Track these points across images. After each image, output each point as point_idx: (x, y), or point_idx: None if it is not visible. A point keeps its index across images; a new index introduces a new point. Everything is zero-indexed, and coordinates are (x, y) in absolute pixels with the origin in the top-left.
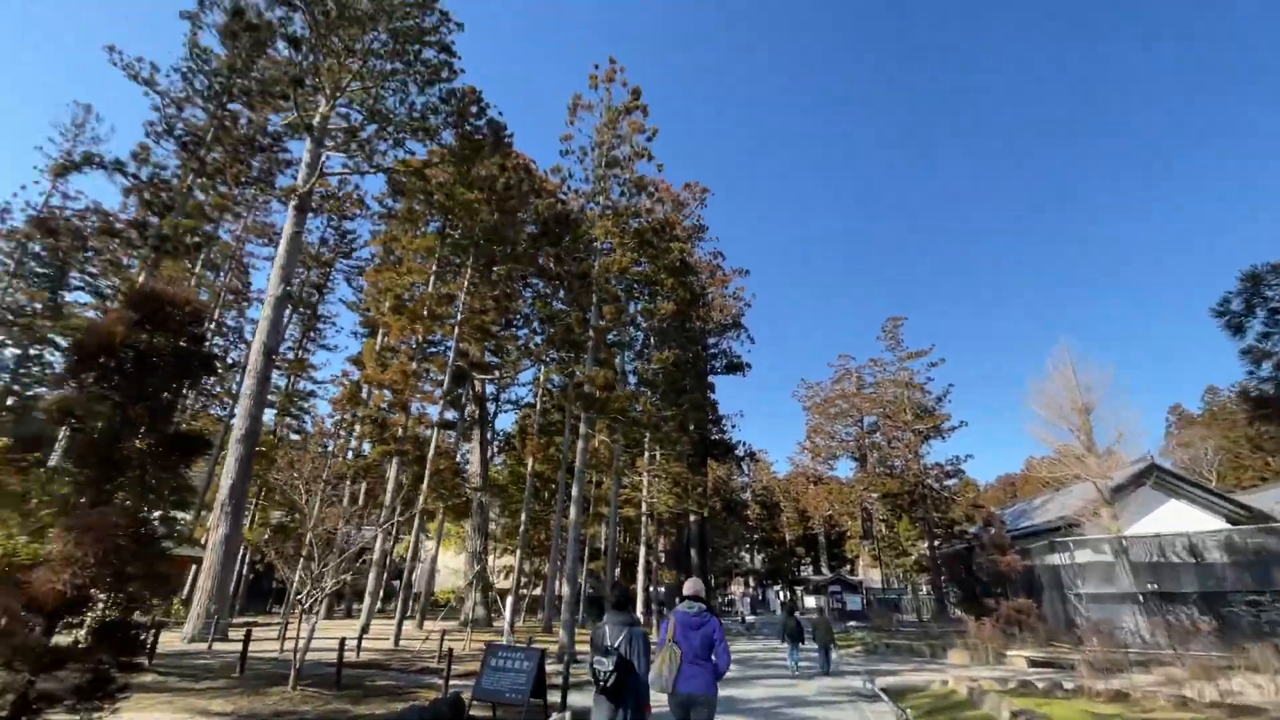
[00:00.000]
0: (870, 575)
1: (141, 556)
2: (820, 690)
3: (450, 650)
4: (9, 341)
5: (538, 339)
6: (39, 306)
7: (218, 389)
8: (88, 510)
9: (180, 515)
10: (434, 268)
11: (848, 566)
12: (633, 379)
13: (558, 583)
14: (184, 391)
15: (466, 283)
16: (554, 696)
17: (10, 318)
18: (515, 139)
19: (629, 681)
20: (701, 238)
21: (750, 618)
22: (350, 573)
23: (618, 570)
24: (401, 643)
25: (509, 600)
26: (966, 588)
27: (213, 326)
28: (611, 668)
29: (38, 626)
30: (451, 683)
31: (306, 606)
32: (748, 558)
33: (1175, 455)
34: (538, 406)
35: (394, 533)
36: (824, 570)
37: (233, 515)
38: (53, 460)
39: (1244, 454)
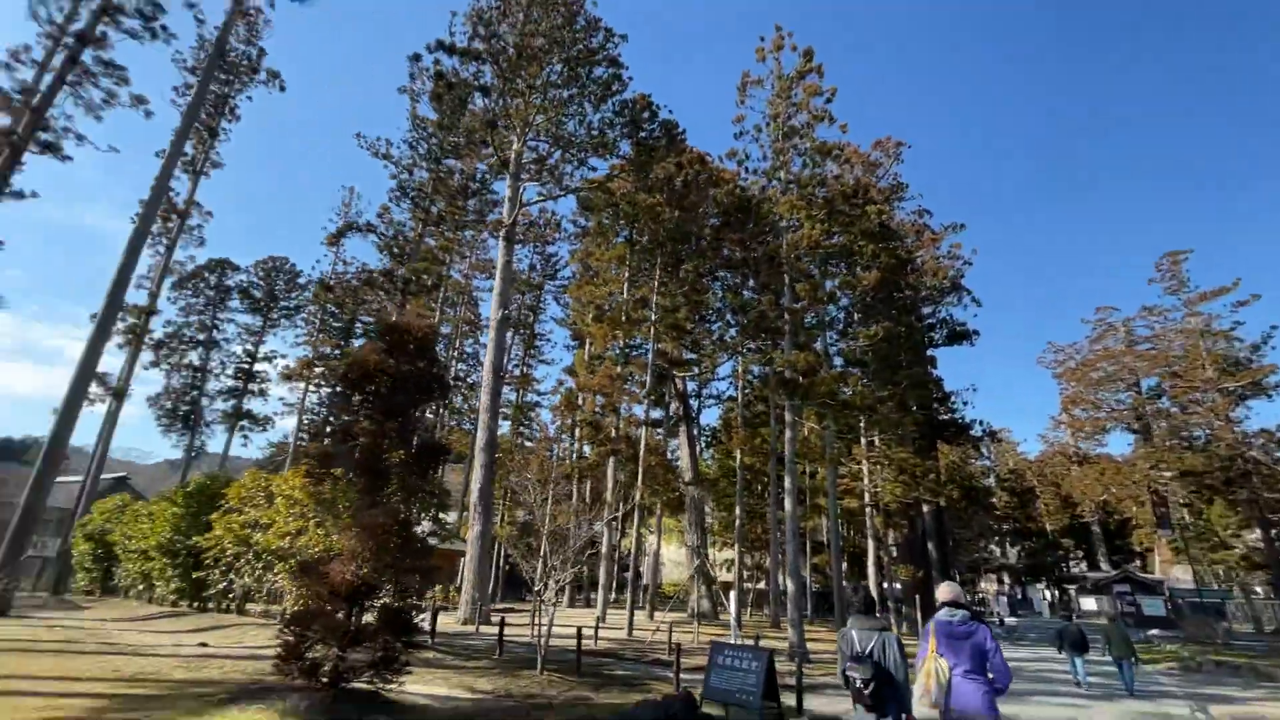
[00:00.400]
0: (1174, 573)
1: (407, 550)
2: (1125, 716)
3: (679, 644)
4: (323, 383)
5: (732, 331)
6: (337, 352)
7: (464, 407)
8: (364, 512)
9: (447, 517)
10: (626, 275)
11: (1137, 562)
12: (838, 361)
13: (780, 577)
14: (426, 408)
15: (657, 284)
16: (787, 699)
17: (319, 364)
18: (687, 134)
19: (888, 690)
20: (901, 197)
21: (1010, 619)
22: (580, 565)
23: (844, 565)
24: (634, 632)
25: (732, 595)
26: None
27: (455, 354)
28: (870, 675)
29: (340, 610)
30: (682, 676)
31: (544, 597)
32: (998, 551)
33: None
34: (740, 399)
35: (619, 527)
36: (1102, 566)
37: (484, 514)
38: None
39: None
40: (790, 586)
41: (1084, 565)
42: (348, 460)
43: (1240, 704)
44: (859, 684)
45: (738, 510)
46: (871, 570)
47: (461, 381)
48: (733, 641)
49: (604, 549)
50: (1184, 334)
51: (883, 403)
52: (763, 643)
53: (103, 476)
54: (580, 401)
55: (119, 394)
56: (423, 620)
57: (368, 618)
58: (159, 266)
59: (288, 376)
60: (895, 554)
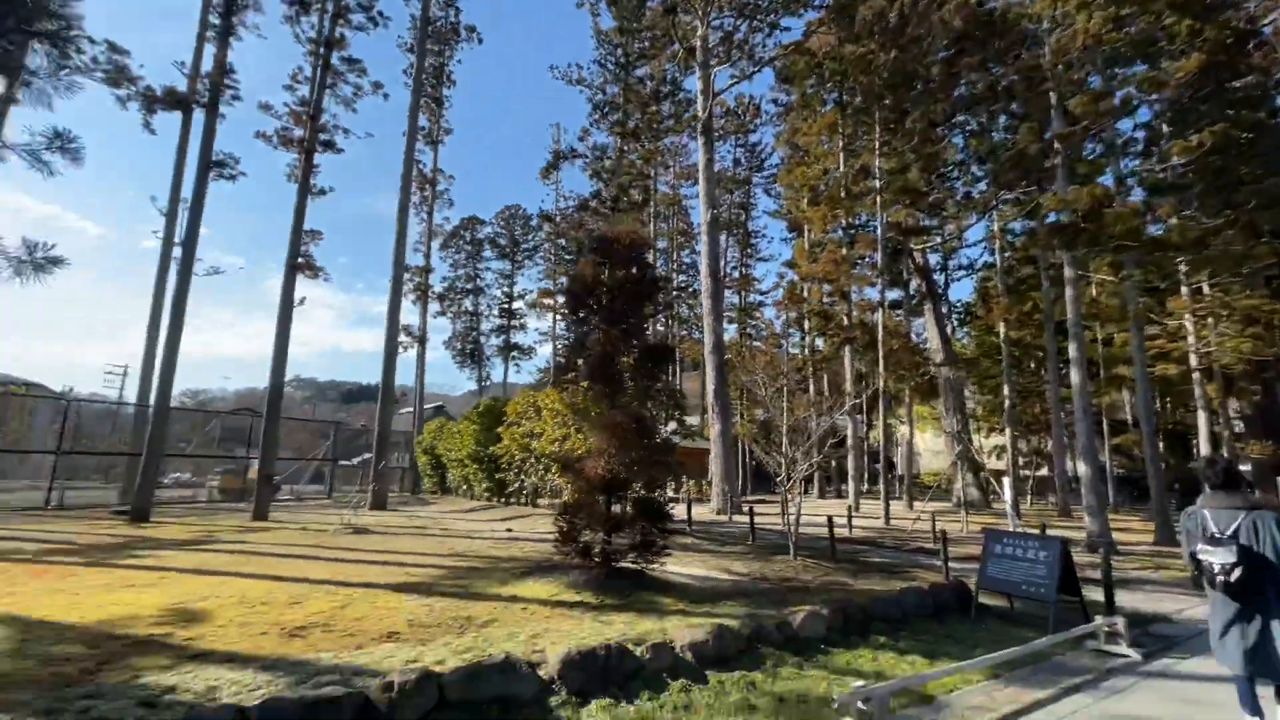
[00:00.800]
0: None
1: (646, 446)
2: None
3: (944, 532)
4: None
5: (981, 186)
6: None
7: (690, 316)
8: (604, 414)
9: (690, 419)
10: (841, 145)
11: None
12: (1138, 193)
13: (1068, 461)
14: (646, 312)
15: (878, 146)
16: (1092, 594)
17: (556, 292)
18: None
19: (1260, 577)
20: None
21: None
22: (821, 457)
23: (1160, 444)
24: (891, 522)
25: (1006, 481)
26: None
27: (674, 266)
28: (1234, 561)
29: (599, 501)
30: (951, 565)
31: (787, 488)
32: None
33: None
34: (998, 263)
35: (865, 418)
36: None
37: (721, 413)
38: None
39: None
40: (1085, 470)
41: None
42: (588, 371)
43: None
44: (1218, 570)
45: (1005, 390)
46: (1204, 448)
47: (683, 291)
48: (1011, 529)
49: (850, 440)
50: None
51: (1215, 234)
52: (1050, 533)
53: (426, 406)
54: (805, 293)
55: (420, 339)
56: (674, 509)
57: (624, 508)
58: (425, 232)
59: (532, 306)
60: (1240, 429)
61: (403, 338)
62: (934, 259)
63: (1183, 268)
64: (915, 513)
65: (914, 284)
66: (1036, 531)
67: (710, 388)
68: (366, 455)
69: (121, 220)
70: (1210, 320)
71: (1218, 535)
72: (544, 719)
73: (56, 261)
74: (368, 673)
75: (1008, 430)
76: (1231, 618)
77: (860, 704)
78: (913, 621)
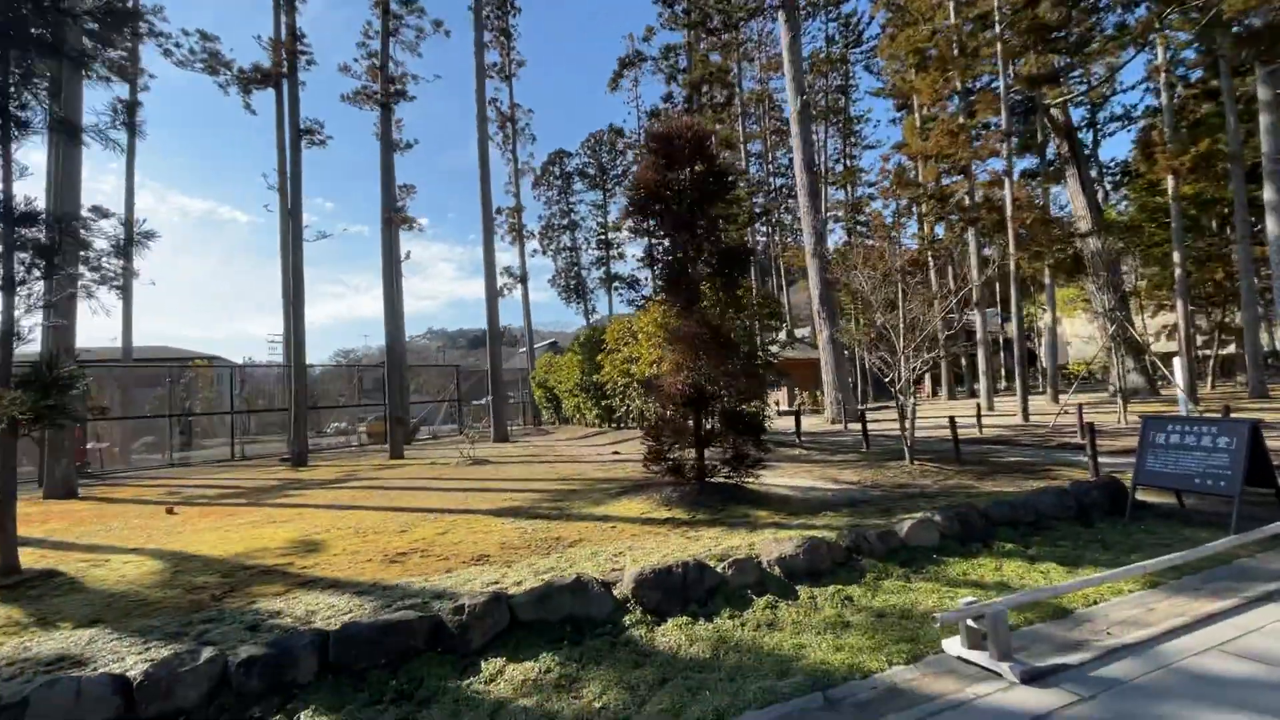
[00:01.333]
0: None
1: (729, 358)
2: None
3: (1092, 424)
4: None
5: (1140, 10)
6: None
7: (791, 221)
8: (680, 326)
9: (797, 329)
10: None
11: None
12: None
13: (1266, 333)
14: (714, 213)
15: None
16: None
17: None
18: None
19: None
20: None
21: None
22: (936, 354)
23: None
24: (1031, 419)
25: (1177, 362)
26: None
27: (771, 168)
28: None
29: (683, 417)
30: (1103, 461)
31: (898, 388)
32: None
33: None
34: (1165, 103)
35: (1000, 308)
36: None
37: (828, 319)
38: None
39: None
40: None
41: None
42: (660, 283)
43: None
44: None
45: (1176, 257)
46: None
47: (780, 194)
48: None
49: (980, 334)
50: None
51: None
52: (1238, 417)
53: (540, 344)
54: (919, 176)
55: (522, 279)
56: (777, 421)
57: (713, 423)
58: (512, 171)
59: (616, 229)
60: None
61: (504, 279)
62: (1077, 115)
63: None
64: (1060, 407)
65: (1052, 148)
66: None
67: (815, 292)
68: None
69: (259, 204)
70: None
71: None
72: (618, 638)
73: (150, 235)
74: (449, 595)
75: (1180, 304)
76: None
77: (971, 621)
78: (1051, 525)
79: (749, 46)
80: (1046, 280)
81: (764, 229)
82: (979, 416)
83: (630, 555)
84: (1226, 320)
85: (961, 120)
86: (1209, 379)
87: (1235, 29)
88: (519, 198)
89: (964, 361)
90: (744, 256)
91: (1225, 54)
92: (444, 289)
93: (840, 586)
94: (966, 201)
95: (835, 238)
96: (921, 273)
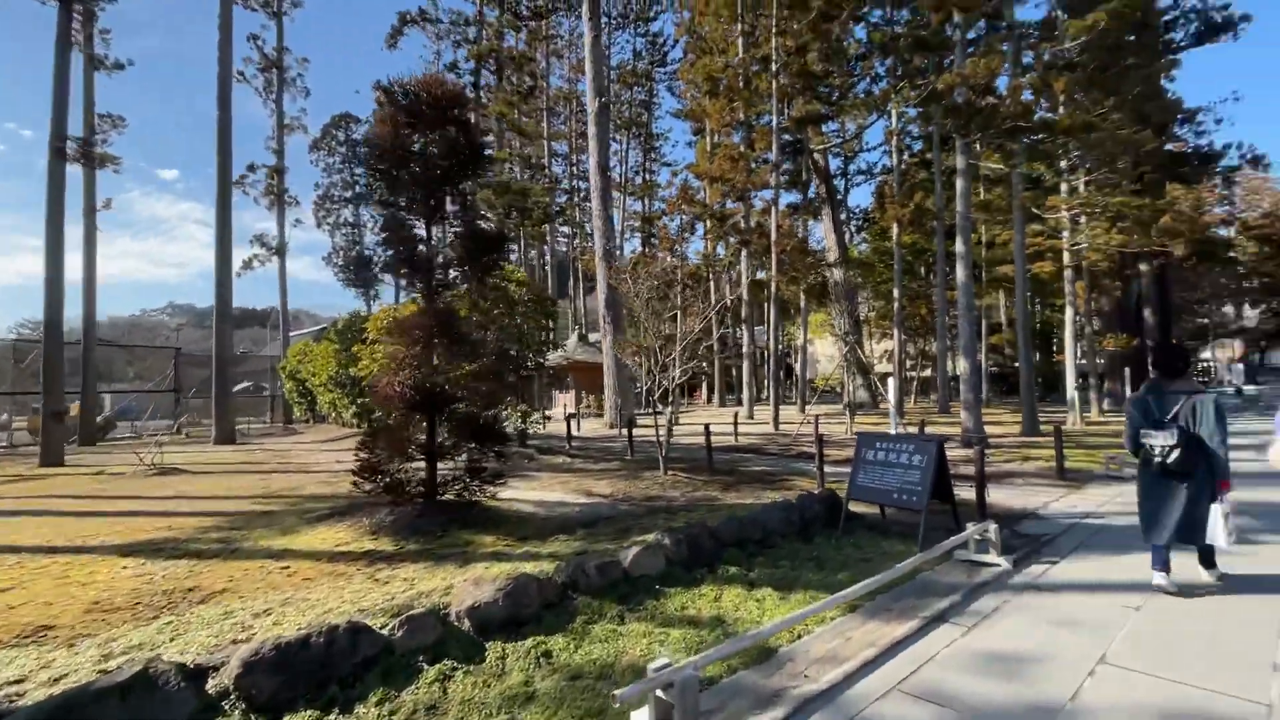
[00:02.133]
0: None
1: (467, 355)
2: None
3: (823, 436)
4: None
5: (882, 85)
6: None
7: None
8: (408, 317)
9: (596, 336)
10: (740, 29)
11: None
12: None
13: (950, 361)
14: (464, 187)
15: (774, 22)
16: (965, 493)
17: None
18: None
19: (1194, 457)
20: None
21: (1248, 388)
22: (693, 363)
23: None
24: (781, 427)
25: (891, 382)
26: None
27: (574, 170)
28: (1174, 442)
29: (406, 423)
30: (830, 470)
31: (657, 396)
32: (1233, 313)
33: None
34: (895, 163)
35: (769, 326)
36: None
37: (613, 324)
38: None
39: None
40: (964, 366)
41: None
42: (391, 260)
43: None
44: (1158, 451)
45: (896, 292)
46: (1069, 343)
47: (584, 196)
48: (892, 431)
49: (746, 348)
50: None
51: (1103, 119)
52: (930, 430)
53: (306, 330)
54: (705, 196)
55: (278, 251)
56: (545, 427)
57: (447, 431)
58: (275, 126)
59: None
60: (1099, 324)
61: (257, 249)
62: (835, 164)
63: (1064, 166)
64: (803, 418)
65: (814, 187)
66: (915, 431)
67: (601, 296)
68: (246, 384)
69: None
70: (1084, 219)
71: (1160, 419)
72: None
73: None
74: None
75: (896, 333)
76: (1165, 494)
77: (660, 693)
78: (775, 542)
79: (559, 44)
80: (801, 303)
81: (566, 229)
82: (736, 425)
83: (282, 613)
84: (926, 349)
85: (742, 149)
86: (913, 396)
87: (944, 103)
88: (282, 156)
89: (734, 372)
90: (499, 242)
91: (938, 125)
92: (194, 256)
93: (542, 638)
94: (743, 225)
95: (632, 246)
96: (701, 286)
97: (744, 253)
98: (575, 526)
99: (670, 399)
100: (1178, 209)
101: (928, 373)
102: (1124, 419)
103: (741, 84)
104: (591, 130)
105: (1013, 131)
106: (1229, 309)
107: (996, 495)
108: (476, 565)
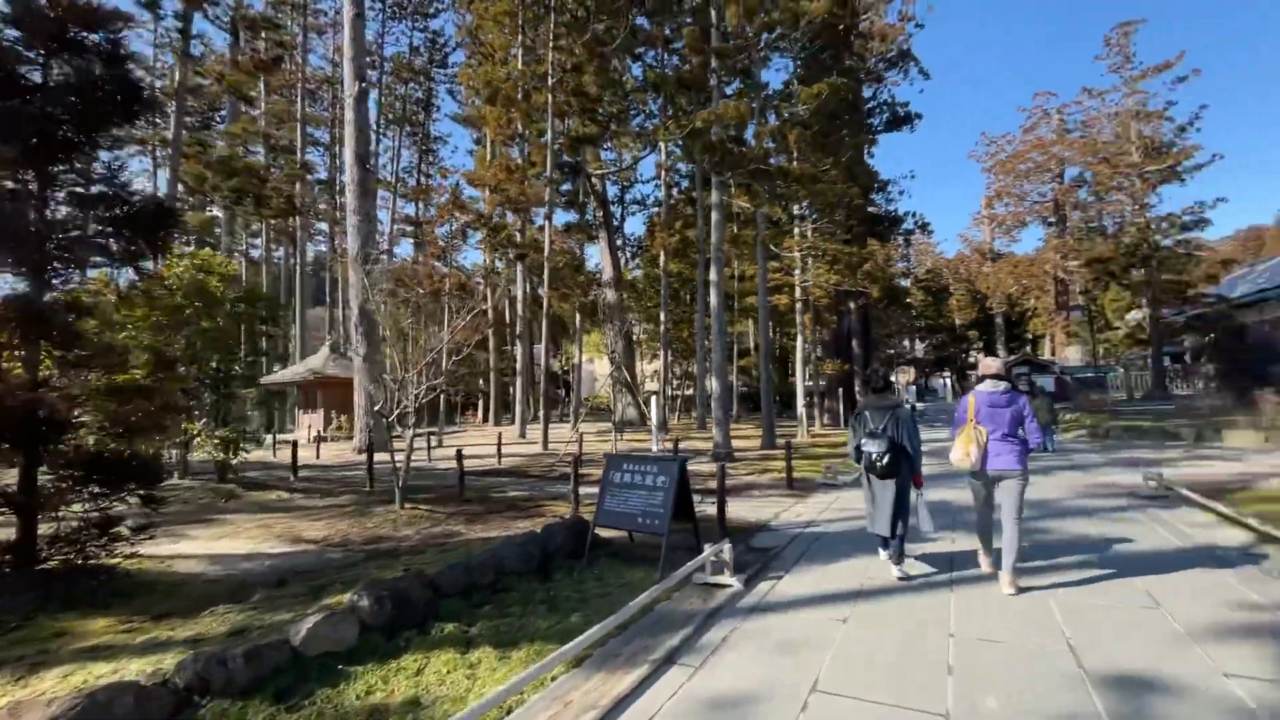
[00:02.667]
0: (1065, 354)
1: (91, 363)
2: (1070, 489)
3: (580, 456)
4: None
5: (654, 120)
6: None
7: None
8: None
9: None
10: (519, 41)
11: (1027, 348)
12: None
13: (707, 381)
14: (105, 138)
15: (551, 35)
16: (708, 510)
17: None
18: None
19: (901, 460)
20: None
21: (918, 404)
22: (442, 379)
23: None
24: (550, 447)
25: (654, 400)
26: (1235, 357)
27: (338, 164)
28: (885, 449)
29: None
30: (587, 492)
31: (393, 418)
32: (909, 346)
33: None
34: (665, 197)
35: (548, 344)
36: (999, 353)
37: (366, 335)
38: None
39: None
40: (716, 386)
41: (983, 354)
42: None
43: (1169, 468)
44: (874, 457)
45: (663, 316)
46: (799, 368)
47: (149, 94)
48: (654, 450)
49: (520, 364)
50: (1116, 117)
51: (821, 179)
52: (687, 445)
53: None
54: (484, 207)
55: None
56: (279, 454)
57: (59, 470)
58: None
59: None
60: (821, 352)
61: None
62: (614, 192)
63: (796, 212)
64: (573, 436)
65: (592, 208)
66: (670, 449)
67: (354, 304)
68: None
69: None
70: (810, 261)
71: (874, 430)
72: None
73: None
74: None
75: (663, 353)
76: (882, 493)
77: None
78: (510, 583)
79: (323, 20)
80: (577, 321)
81: (325, 227)
82: (500, 446)
83: None
84: (690, 369)
85: (519, 161)
86: (677, 414)
87: (703, 140)
88: None
89: (511, 390)
90: (162, 221)
91: (699, 160)
92: None
93: None
94: (518, 238)
95: (405, 250)
96: (473, 298)
97: (520, 267)
98: (254, 589)
99: (412, 420)
100: (875, 260)
101: (690, 391)
102: (848, 432)
103: (520, 95)
104: (349, 116)
105: (756, 173)
106: (906, 342)
107: (738, 508)
108: (54, 670)
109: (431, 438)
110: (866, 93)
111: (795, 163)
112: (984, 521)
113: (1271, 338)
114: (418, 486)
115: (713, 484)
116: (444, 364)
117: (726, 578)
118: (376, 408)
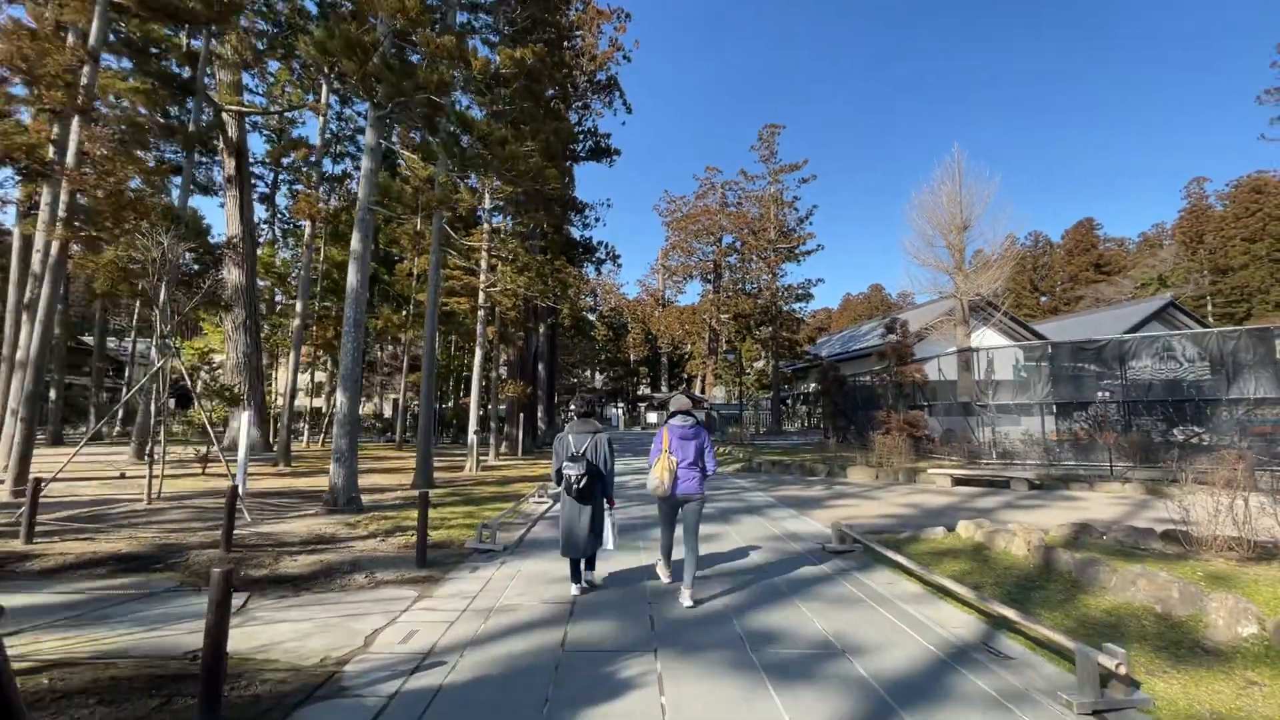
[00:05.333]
0: (714, 393)
1: None
2: (762, 541)
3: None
4: None
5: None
6: None
7: None
8: None
9: None
10: None
11: (683, 385)
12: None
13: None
14: None
15: None
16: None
17: None
18: None
19: (597, 483)
20: None
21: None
22: None
23: (438, 385)
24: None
25: (245, 417)
26: (837, 402)
27: None
28: (584, 472)
29: None
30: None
31: None
32: (590, 375)
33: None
34: (320, 146)
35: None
36: (663, 389)
37: None
38: None
39: (1024, 293)
40: (343, 401)
41: (650, 388)
42: None
43: (828, 507)
44: (573, 480)
45: (299, 306)
46: (475, 385)
47: None
48: (240, 492)
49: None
50: (761, 201)
51: (515, 141)
52: (307, 484)
53: None
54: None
55: None
56: None
57: None
58: None
59: None
60: (504, 374)
61: None
62: (261, 148)
63: (488, 201)
64: (140, 466)
65: (223, 162)
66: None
67: None
68: None
69: None
70: (500, 262)
71: (575, 454)
72: None
73: None
74: None
75: (292, 354)
76: (578, 515)
77: None
78: None
79: None
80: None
81: None
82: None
83: None
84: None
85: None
86: (322, 435)
87: (359, 47)
88: None
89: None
90: None
91: (354, 87)
92: None
93: None
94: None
95: None
96: None
97: (46, 190)
98: None
99: None
100: (570, 274)
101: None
102: (551, 454)
103: None
104: None
105: (430, 117)
106: (588, 373)
107: (300, 622)
108: None
109: None
110: (574, 118)
111: (491, 119)
112: (666, 539)
113: (857, 386)
114: None
115: (286, 564)
116: None
117: None
118: None
